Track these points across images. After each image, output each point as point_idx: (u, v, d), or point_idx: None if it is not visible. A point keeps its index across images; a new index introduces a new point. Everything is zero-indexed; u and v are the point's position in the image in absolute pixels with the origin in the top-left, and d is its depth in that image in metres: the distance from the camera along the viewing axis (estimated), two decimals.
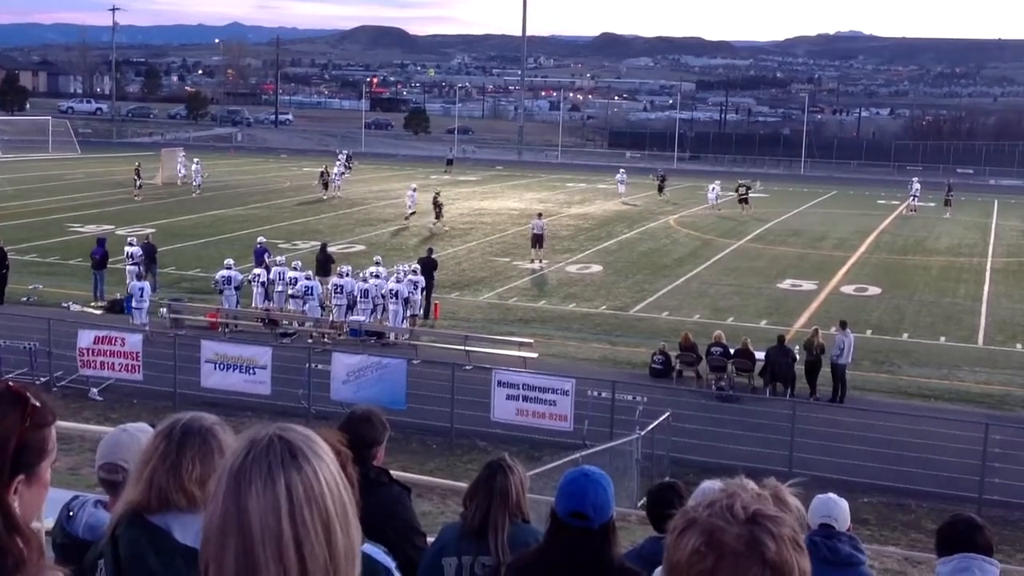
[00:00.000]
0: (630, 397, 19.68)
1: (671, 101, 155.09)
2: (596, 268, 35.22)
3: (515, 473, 4.46)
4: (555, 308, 29.28)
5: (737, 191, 52.34)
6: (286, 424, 1.76)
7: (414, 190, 45.20)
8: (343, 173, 54.57)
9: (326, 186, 50.79)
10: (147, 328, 24.79)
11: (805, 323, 27.35)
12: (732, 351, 22.18)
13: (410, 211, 43.61)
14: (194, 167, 52.90)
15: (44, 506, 2.20)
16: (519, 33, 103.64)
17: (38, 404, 2.01)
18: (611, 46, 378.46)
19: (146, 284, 25.57)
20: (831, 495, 6.18)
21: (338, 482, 1.73)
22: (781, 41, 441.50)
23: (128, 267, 27.49)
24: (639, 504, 14.60)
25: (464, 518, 4.48)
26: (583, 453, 15.03)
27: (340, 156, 58.66)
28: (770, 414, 19.92)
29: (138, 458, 2.82)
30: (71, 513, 3.46)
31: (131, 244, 28.61)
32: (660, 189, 56.10)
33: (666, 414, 17.82)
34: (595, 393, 19.65)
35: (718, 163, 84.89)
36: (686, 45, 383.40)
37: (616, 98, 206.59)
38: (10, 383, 2.04)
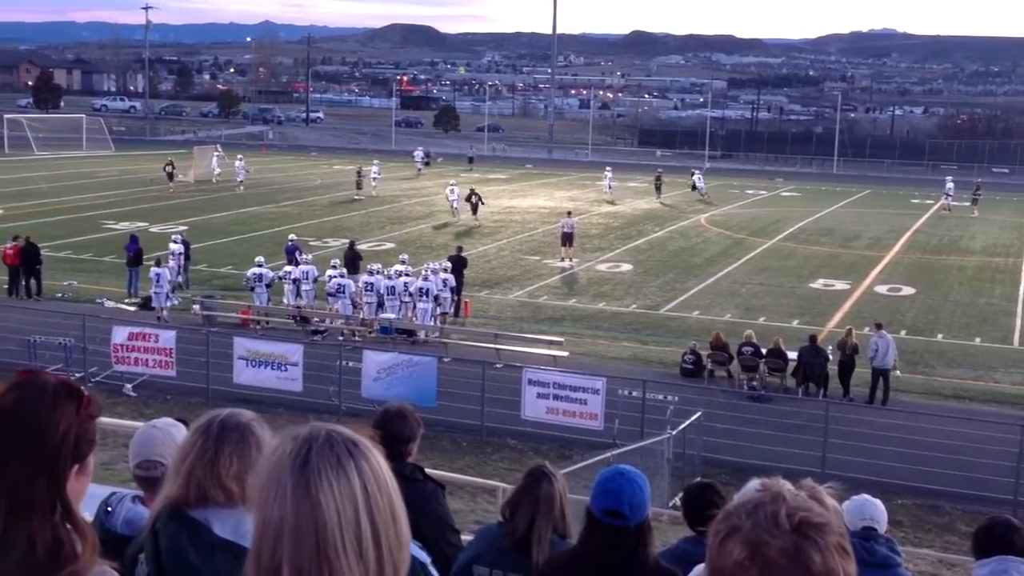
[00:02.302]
0: (661, 396, 19.63)
1: (702, 99, 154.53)
2: (626, 267, 35.12)
3: (558, 481, 4.42)
4: (585, 307, 29.23)
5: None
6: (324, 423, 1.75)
7: (454, 185, 45.66)
8: (380, 174, 54.46)
9: (359, 186, 50.91)
10: (164, 312, 25.11)
11: (838, 323, 27.14)
12: (764, 351, 22.05)
13: (454, 206, 44.06)
14: (237, 163, 53.49)
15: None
16: (549, 31, 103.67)
17: (90, 396, 2.05)
18: (642, 44, 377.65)
19: (164, 271, 25.91)
20: (867, 497, 6.12)
21: (391, 473, 1.73)
22: (814, 39, 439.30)
23: (170, 264, 27.82)
24: (670, 504, 14.55)
25: (504, 527, 4.42)
26: (614, 452, 14.98)
27: (375, 164, 59.24)
28: (803, 414, 19.79)
29: (176, 454, 2.84)
30: (109, 509, 3.48)
31: (175, 241, 28.89)
32: (658, 189, 55.40)
33: (697, 414, 17.74)
34: (626, 392, 19.59)
35: (749, 162, 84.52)
36: (717, 43, 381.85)
37: (646, 96, 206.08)
38: (65, 378, 2.08)
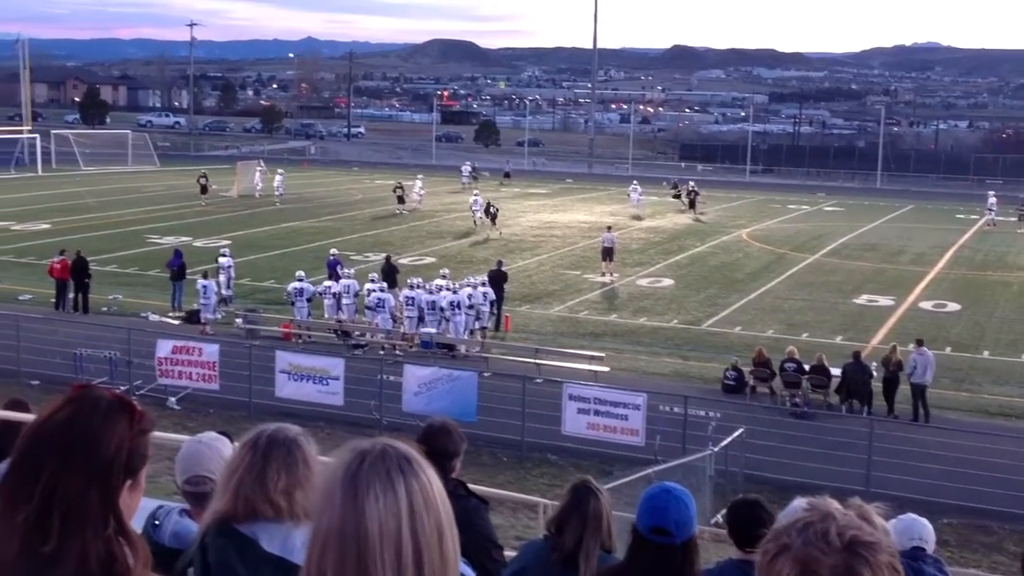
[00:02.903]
0: (703, 413, 19.49)
1: (743, 113, 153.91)
2: (667, 282, 34.98)
3: (604, 496, 4.40)
4: (626, 322, 29.13)
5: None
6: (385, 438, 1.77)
7: (477, 197, 47.32)
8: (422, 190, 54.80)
9: (400, 200, 51.18)
10: (207, 324, 25.41)
11: (882, 339, 26.86)
12: (807, 367, 21.86)
13: (477, 217, 45.37)
14: (277, 178, 53.94)
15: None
16: (590, 46, 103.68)
17: (142, 411, 2.07)
18: (683, 58, 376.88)
19: (210, 283, 26.39)
20: (914, 516, 6.04)
21: (444, 492, 1.74)
22: (857, 52, 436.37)
23: (220, 278, 28.19)
24: (712, 521, 14.43)
25: (550, 543, 4.39)
26: (655, 468, 14.90)
27: (419, 179, 60.21)
28: (846, 432, 19.58)
29: (224, 469, 2.87)
30: (157, 522, 3.51)
31: (223, 255, 29.22)
32: (677, 197, 55.34)
33: (740, 430, 17.61)
34: (667, 408, 19.50)
35: (791, 176, 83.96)
36: (759, 57, 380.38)
37: (687, 110, 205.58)
38: (119, 393, 2.10)
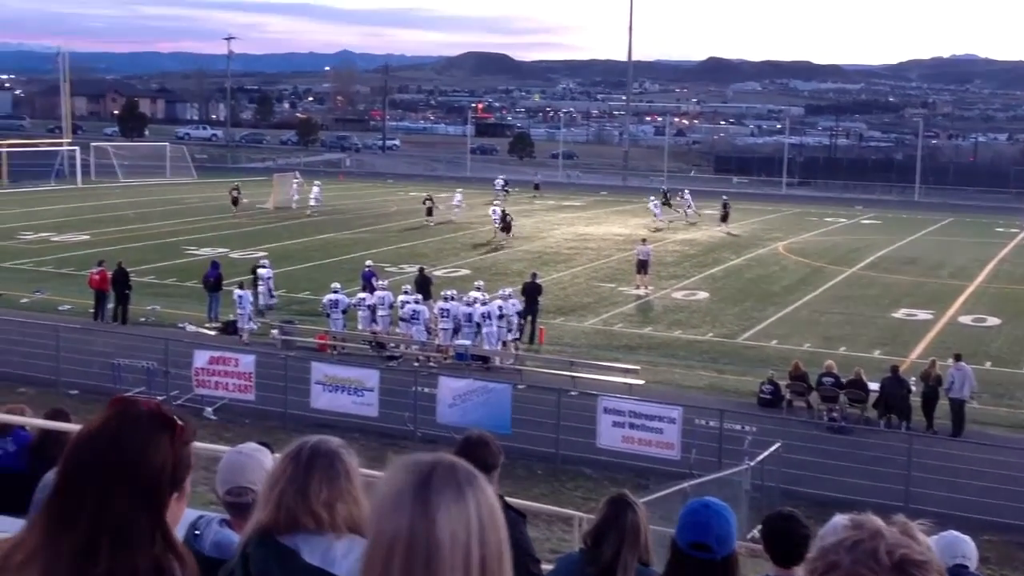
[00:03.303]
0: (738, 427, 19.38)
1: (779, 126, 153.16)
2: (702, 295, 34.82)
3: (641, 509, 4.37)
4: (661, 335, 29.01)
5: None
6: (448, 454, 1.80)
7: (496, 207, 48.91)
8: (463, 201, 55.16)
9: (429, 212, 51.38)
10: (245, 335, 25.61)
11: (921, 353, 26.58)
12: (844, 381, 21.67)
13: (497, 227, 46.35)
14: (314, 190, 54.42)
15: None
16: (625, 58, 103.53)
17: (183, 423, 2.07)
18: (718, 70, 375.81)
19: (246, 293, 26.80)
20: (957, 533, 5.96)
21: (501, 510, 1.77)
22: (894, 64, 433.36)
23: (260, 288, 28.39)
24: (748, 536, 14.31)
25: (587, 556, 4.37)
26: (691, 483, 14.81)
27: (458, 192, 61.08)
28: (884, 447, 19.38)
29: (266, 480, 2.87)
30: (197, 532, 3.52)
31: (263, 266, 29.41)
32: (724, 218, 53.77)
33: (776, 445, 17.46)
34: (703, 422, 19.41)
35: (828, 189, 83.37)
36: (795, 69, 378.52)
37: (722, 123, 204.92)
38: (161, 406, 2.10)
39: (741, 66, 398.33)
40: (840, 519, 3.70)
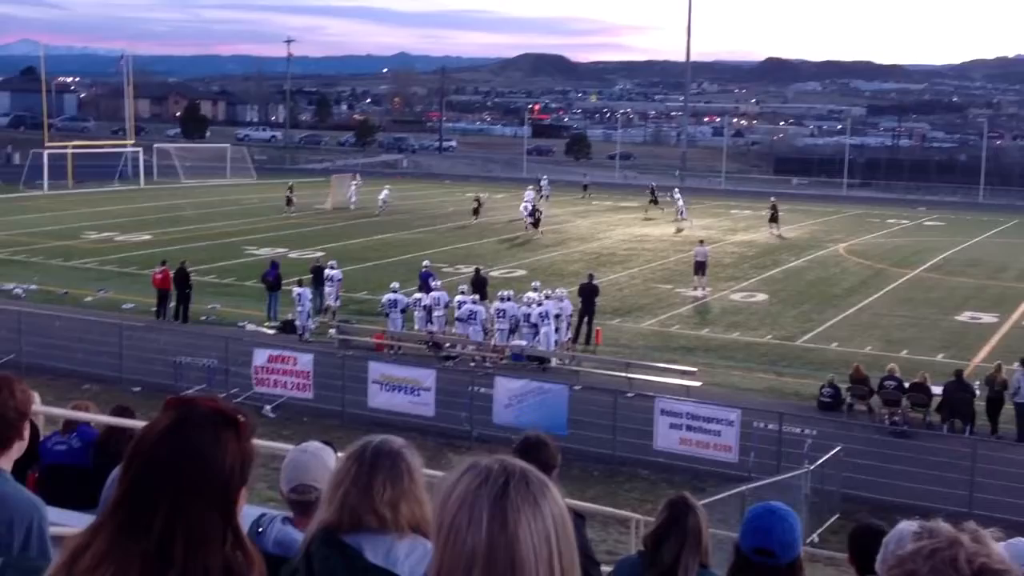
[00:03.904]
0: (798, 430, 19.16)
1: (840, 126, 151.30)
2: (761, 296, 34.48)
3: (701, 512, 4.33)
4: (718, 336, 28.77)
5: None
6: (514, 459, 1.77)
7: (527, 203, 50.26)
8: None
9: (475, 212, 51.90)
10: (307, 334, 25.85)
11: (985, 357, 26.06)
12: (907, 384, 21.32)
13: (528, 222, 47.72)
14: (384, 192, 55.57)
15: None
16: (683, 58, 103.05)
17: (245, 419, 2.06)
18: (777, 70, 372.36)
19: (306, 290, 26.95)
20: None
21: (571, 518, 1.75)
22: (957, 64, 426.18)
23: (326, 289, 28.54)
24: (808, 541, 14.15)
25: (647, 559, 4.33)
26: (749, 486, 14.68)
27: (544, 179, 64.15)
28: (948, 451, 19.03)
29: (330, 479, 2.90)
30: (260, 529, 3.55)
31: (332, 267, 29.50)
32: (773, 220, 51.27)
33: (837, 448, 17.24)
34: (761, 424, 19.22)
35: (890, 190, 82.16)
36: (856, 69, 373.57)
37: (782, 123, 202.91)
38: (221, 403, 2.10)
39: (801, 66, 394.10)
40: (907, 526, 3.62)
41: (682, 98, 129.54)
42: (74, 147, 66.24)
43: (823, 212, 61.49)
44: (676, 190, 57.08)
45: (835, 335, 28.97)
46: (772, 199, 54.26)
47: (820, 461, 16.71)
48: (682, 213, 53.54)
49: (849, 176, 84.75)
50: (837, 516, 16.30)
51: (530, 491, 1.66)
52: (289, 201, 52.98)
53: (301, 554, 2.83)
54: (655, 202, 57.41)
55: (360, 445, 2.85)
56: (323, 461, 3.60)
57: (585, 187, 70.21)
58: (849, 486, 17.18)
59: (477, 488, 1.67)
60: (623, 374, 23.17)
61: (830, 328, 29.89)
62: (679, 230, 51.21)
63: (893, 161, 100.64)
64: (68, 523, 4.61)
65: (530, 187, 55.34)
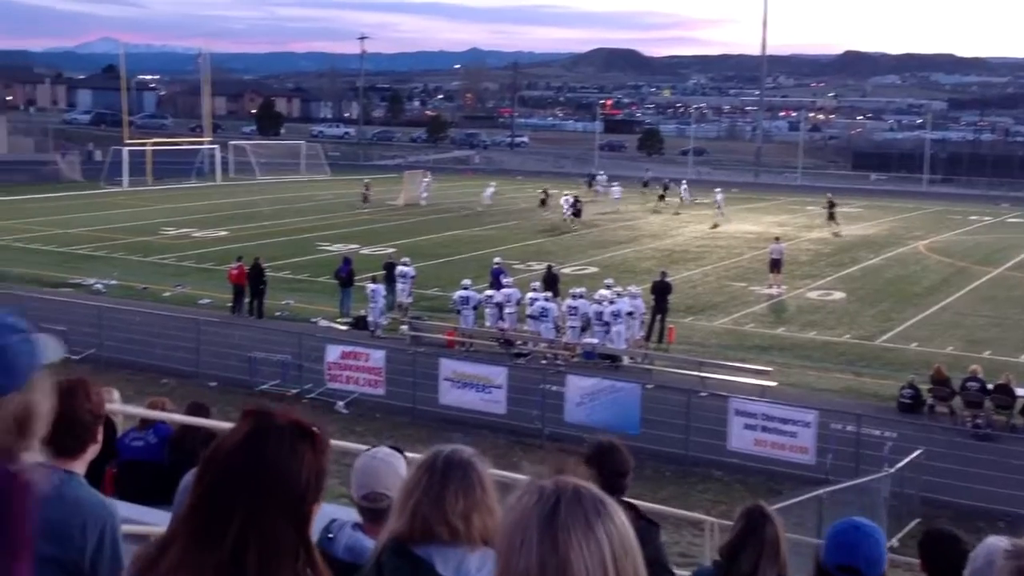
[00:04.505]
0: (877, 432, 18.73)
1: (920, 120, 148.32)
2: (838, 295, 33.87)
3: (778, 521, 4.20)
4: (794, 335, 28.31)
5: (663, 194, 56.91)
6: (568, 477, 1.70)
7: (568, 195, 50.94)
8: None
9: (543, 203, 52.53)
10: (378, 331, 25.99)
11: None
12: (990, 386, 20.75)
13: (567, 215, 48.64)
14: (488, 190, 57.09)
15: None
16: (758, 52, 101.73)
17: (320, 431, 2.04)
18: (855, 64, 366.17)
19: (379, 287, 27.31)
20: None
21: (633, 533, 1.67)
22: None
23: (400, 286, 28.55)
24: (887, 545, 13.82)
25: (723, 569, 4.22)
26: (827, 489, 14.39)
27: (600, 176, 65.01)
28: None
29: (401, 489, 2.85)
30: (330, 535, 3.52)
31: (405, 264, 29.43)
32: (831, 217, 49.62)
33: (918, 451, 16.81)
34: (839, 426, 18.85)
35: (972, 186, 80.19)
36: (936, 62, 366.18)
37: (860, 118, 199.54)
38: (299, 416, 2.06)
39: (880, 59, 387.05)
40: (997, 542, 3.45)
41: (757, 92, 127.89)
42: (153, 144, 67.48)
43: (902, 208, 60.30)
44: (717, 189, 56.11)
45: (915, 335, 28.33)
46: (828, 195, 51.76)
47: (900, 464, 16.31)
48: (719, 208, 52.56)
49: (930, 172, 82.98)
50: (917, 521, 15.90)
51: (582, 512, 1.62)
52: (365, 198, 53.43)
53: (371, 564, 2.79)
54: (663, 197, 57.41)
55: (431, 455, 2.80)
56: (394, 468, 3.55)
57: (645, 183, 64.72)
58: (929, 490, 16.76)
59: (530, 509, 1.64)
60: (696, 373, 22.90)
61: (910, 328, 29.24)
62: (715, 225, 50.82)
63: (975, 156, 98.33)
64: (144, 519, 4.64)
65: (566, 192, 54.85)
